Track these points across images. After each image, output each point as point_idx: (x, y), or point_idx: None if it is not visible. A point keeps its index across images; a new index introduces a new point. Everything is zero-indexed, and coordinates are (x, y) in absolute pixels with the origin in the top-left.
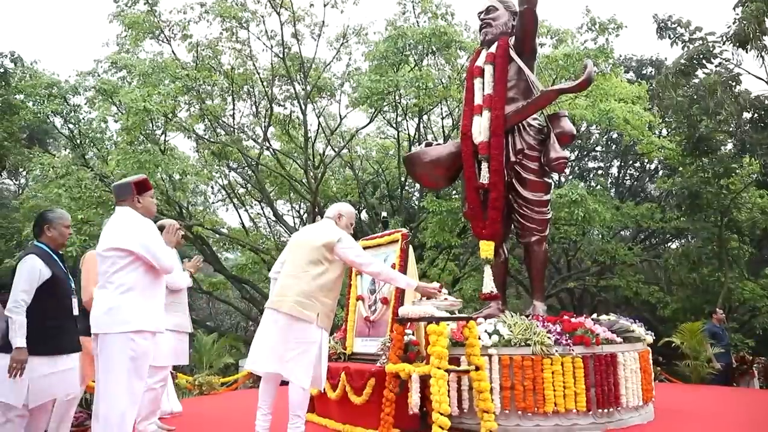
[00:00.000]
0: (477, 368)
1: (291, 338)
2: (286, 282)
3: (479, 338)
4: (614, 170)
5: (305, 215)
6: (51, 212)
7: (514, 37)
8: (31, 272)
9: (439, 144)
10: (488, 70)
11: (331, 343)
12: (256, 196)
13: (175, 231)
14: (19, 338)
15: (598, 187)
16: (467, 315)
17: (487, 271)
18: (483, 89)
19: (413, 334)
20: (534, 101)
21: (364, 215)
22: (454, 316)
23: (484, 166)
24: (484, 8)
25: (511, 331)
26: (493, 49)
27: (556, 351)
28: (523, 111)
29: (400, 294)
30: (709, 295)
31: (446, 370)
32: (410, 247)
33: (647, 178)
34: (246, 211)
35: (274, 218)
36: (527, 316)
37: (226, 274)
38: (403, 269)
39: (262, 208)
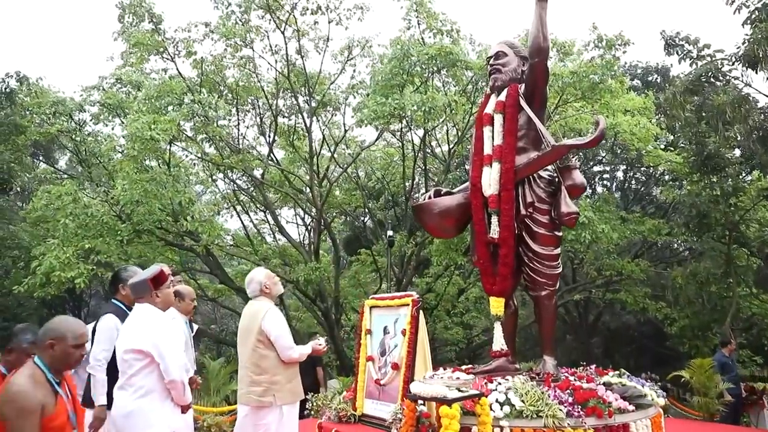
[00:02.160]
0: None
1: (256, 425)
2: (240, 375)
3: (491, 408)
4: (620, 174)
5: (310, 224)
6: (125, 271)
7: (524, 84)
8: (109, 331)
9: (449, 192)
10: (498, 119)
11: (341, 404)
12: (259, 206)
13: (191, 302)
14: (100, 396)
15: (604, 192)
16: (478, 392)
17: (498, 329)
18: (492, 139)
19: (424, 404)
20: (545, 155)
21: (369, 223)
22: (465, 395)
23: (494, 219)
24: (493, 53)
25: (522, 402)
26: (502, 97)
27: (568, 424)
28: (533, 164)
29: (411, 362)
30: (717, 313)
31: None
32: (420, 312)
33: (653, 184)
34: (250, 220)
35: (277, 228)
36: (537, 375)
37: (232, 286)
38: (414, 336)
39: (265, 215)
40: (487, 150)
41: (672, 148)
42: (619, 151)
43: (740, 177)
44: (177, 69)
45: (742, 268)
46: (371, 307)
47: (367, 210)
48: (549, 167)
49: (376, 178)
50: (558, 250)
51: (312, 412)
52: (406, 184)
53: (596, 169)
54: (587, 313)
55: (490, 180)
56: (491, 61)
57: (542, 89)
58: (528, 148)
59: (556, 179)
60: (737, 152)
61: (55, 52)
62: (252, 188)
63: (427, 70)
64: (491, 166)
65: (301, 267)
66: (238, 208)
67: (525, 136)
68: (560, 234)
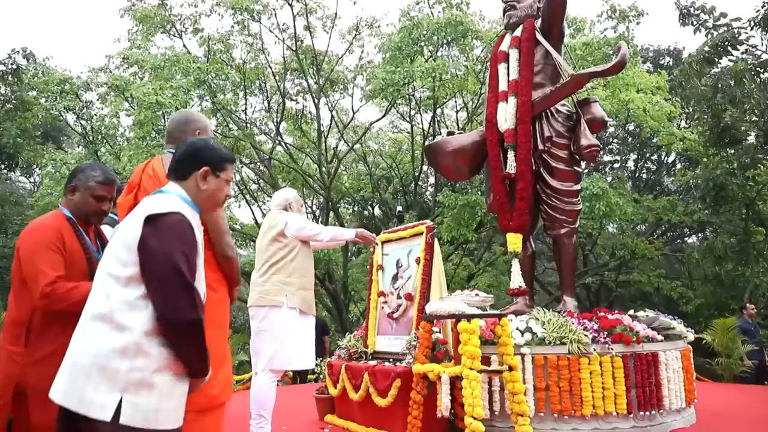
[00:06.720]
0: (510, 368)
1: (265, 328)
2: (253, 281)
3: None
4: (630, 163)
5: (318, 211)
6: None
7: (540, 19)
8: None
9: (461, 133)
10: (513, 54)
11: (352, 341)
12: (269, 192)
13: None
14: None
15: (615, 180)
16: (499, 312)
17: (515, 266)
18: (508, 75)
19: (440, 332)
20: (563, 86)
21: (377, 210)
22: (485, 313)
23: (511, 154)
24: None
25: (544, 329)
26: (517, 32)
27: (594, 350)
28: (552, 96)
29: (426, 290)
30: (734, 290)
31: (479, 371)
32: (435, 240)
33: (664, 172)
34: (259, 207)
35: None
36: (558, 313)
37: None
38: (429, 263)
39: None
40: (503, 86)
41: (686, 126)
42: (630, 139)
43: (757, 149)
44: (184, 46)
45: (759, 244)
46: (383, 242)
47: (378, 193)
48: (567, 102)
49: (386, 165)
50: (577, 186)
51: (323, 377)
52: (415, 171)
53: (607, 158)
54: (598, 303)
55: (506, 115)
56: None
57: (559, 20)
58: (545, 84)
59: (575, 114)
60: (752, 138)
61: (61, 32)
62: (260, 173)
63: (437, 40)
64: (507, 101)
65: None
66: (248, 197)
67: (542, 71)
68: (579, 170)
